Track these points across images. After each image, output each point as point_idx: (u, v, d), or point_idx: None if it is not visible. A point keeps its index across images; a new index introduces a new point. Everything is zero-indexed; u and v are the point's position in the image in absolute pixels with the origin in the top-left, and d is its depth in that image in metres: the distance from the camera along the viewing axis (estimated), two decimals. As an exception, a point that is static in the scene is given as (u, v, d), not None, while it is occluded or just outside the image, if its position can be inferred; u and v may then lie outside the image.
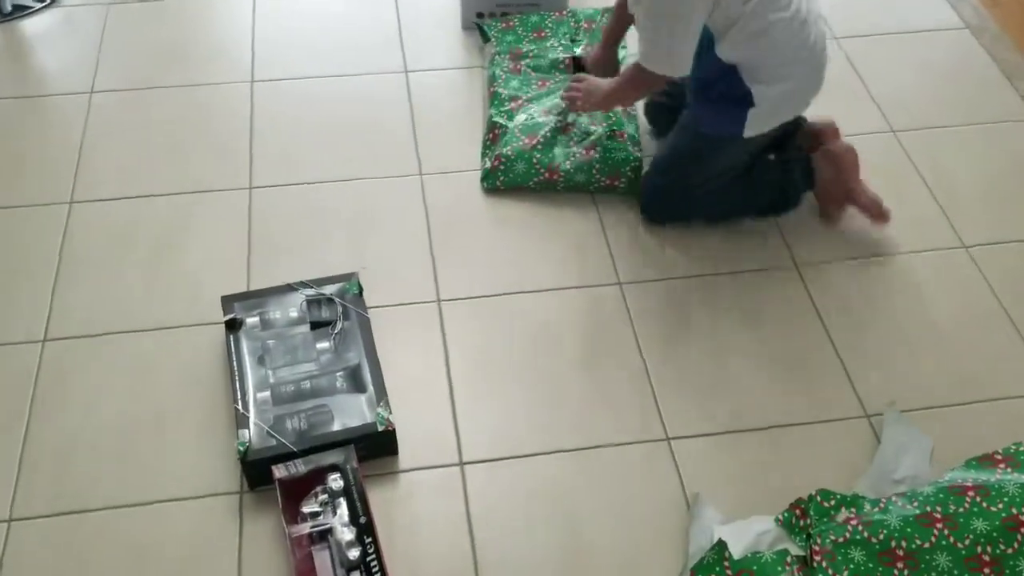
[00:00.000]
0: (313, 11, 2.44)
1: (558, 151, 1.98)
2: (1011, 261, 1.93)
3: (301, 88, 2.23)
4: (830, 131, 1.98)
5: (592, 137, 2.00)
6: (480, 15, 2.38)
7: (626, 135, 2.01)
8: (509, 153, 1.97)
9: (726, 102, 1.76)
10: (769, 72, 1.71)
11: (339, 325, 1.64)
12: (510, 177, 1.98)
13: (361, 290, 1.71)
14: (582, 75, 2.02)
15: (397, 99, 2.21)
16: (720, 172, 1.88)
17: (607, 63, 2.08)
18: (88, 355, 1.68)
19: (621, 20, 2.01)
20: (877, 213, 1.92)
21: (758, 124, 1.77)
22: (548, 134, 1.99)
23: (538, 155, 1.97)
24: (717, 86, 1.75)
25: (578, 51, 2.16)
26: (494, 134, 2.05)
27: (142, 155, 2.05)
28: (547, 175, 1.97)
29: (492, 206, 1.98)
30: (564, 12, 2.29)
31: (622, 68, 2.10)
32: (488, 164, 2.00)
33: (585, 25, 2.23)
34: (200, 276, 1.82)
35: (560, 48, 2.19)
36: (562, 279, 1.85)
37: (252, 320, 1.64)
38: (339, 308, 1.66)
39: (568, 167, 1.96)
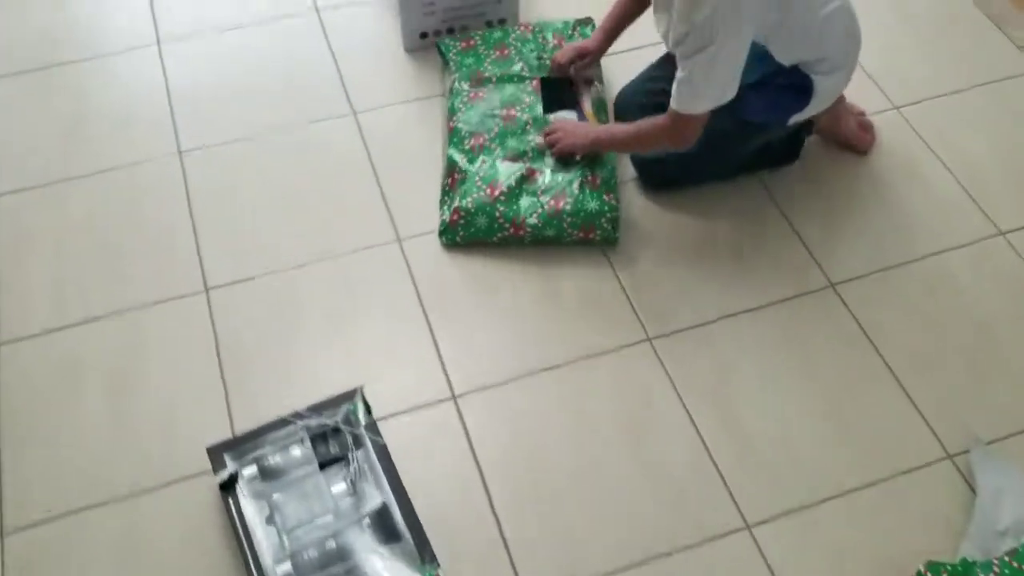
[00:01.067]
0: (232, 55, 2.12)
1: (524, 202, 1.73)
2: (1055, 243, 1.78)
3: (238, 152, 1.93)
4: None
5: (561, 185, 1.75)
6: (424, 35, 2.11)
7: (599, 180, 1.75)
8: (469, 206, 1.73)
9: (785, 92, 1.66)
10: (830, 63, 1.64)
11: (353, 461, 1.40)
12: (471, 232, 1.74)
13: (369, 409, 1.46)
14: (561, 120, 1.81)
15: (351, 149, 1.94)
16: (746, 152, 1.79)
17: (596, 54, 1.89)
18: (58, 545, 1.41)
19: (629, 9, 1.83)
20: (864, 137, 1.90)
21: (813, 109, 1.70)
22: (512, 183, 1.74)
23: (502, 208, 1.73)
24: (775, 79, 1.62)
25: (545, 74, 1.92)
26: (453, 178, 1.80)
27: (71, 268, 1.74)
28: (512, 230, 1.73)
29: (487, 266, 1.75)
30: (530, 26, 2.02)
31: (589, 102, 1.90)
32: (446, 217, 1.76)
33: (555, 42, 1.97)
34: (171, 413, 1.55)
35: (525, 69, 1.94)
36: (585, 345, 1.64)
37: (249, 471, 1.39)
38: (348, 438, 1.42)
39: (535, 221, 1.72)
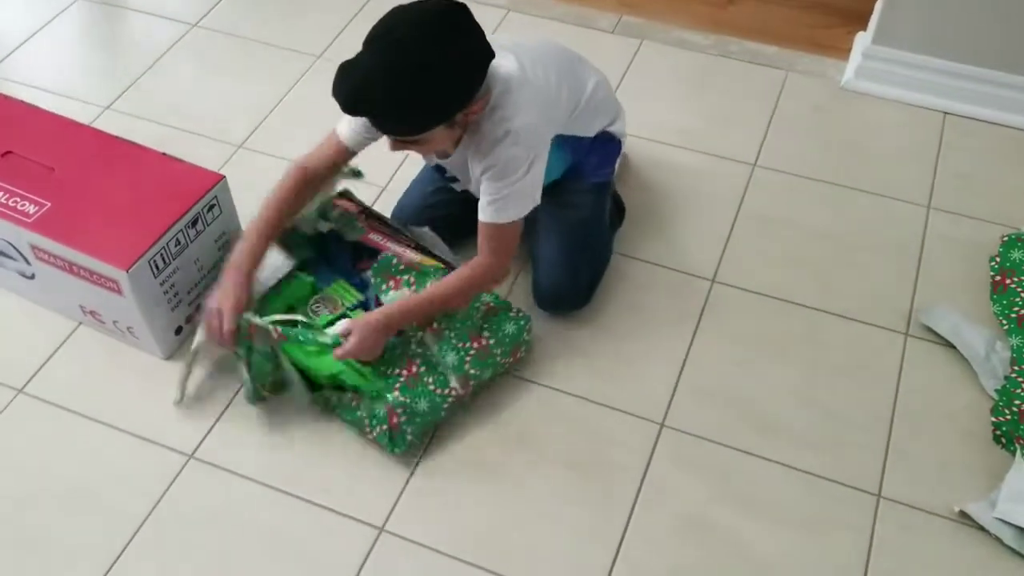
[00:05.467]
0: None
1: (450, 357, 1.61)
2: None
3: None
4: None
5: (468, 323, 1.63)
6: (179, 329, 1.75)
7: (492, 304, 1.67)
8: (401, 398, 1.56)
9: (602, 144, 1.79)
10: (612, 115, 1.81)
11: None
12: (418, 422, 1.56)
13: None
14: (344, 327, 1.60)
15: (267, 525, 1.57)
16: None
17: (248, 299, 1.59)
18: None
19: (264, 239, 1.62)
20: None
21: (622, 147, 1.87)
22: (425, 354, 1.62)
23: (431, 378, 1.60)
24: (591, 145, 1.76)
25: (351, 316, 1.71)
26: (353, 395, 1.60)
27: None
28: (458, 392, 1.60)
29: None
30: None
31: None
32: (383, 426, 1.55)
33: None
34: None
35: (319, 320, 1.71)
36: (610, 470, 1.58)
37: None
38: None
39: (472, 371, 1.61)
